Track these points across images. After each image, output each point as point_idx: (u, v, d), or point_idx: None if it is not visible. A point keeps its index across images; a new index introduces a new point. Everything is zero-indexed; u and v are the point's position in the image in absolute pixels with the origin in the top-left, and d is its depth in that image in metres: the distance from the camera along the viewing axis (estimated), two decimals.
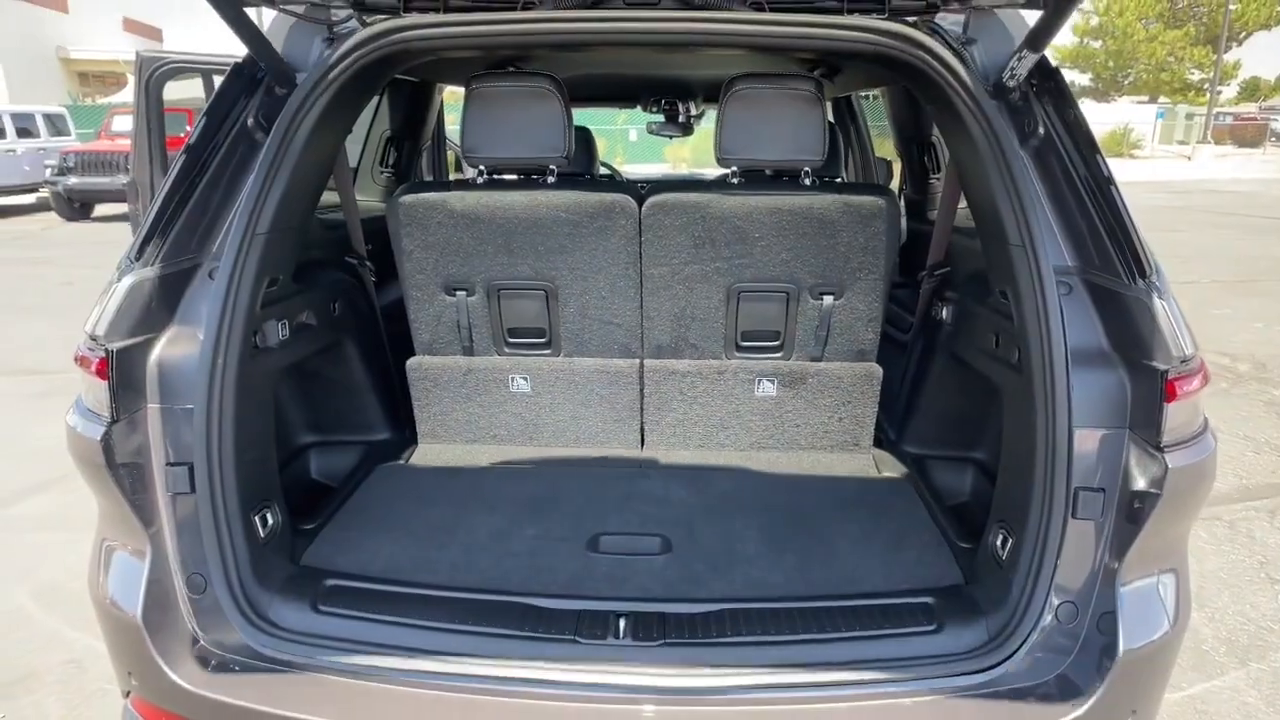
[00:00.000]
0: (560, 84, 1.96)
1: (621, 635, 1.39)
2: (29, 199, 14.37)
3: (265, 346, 1.73)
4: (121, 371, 1.42)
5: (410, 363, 2.27)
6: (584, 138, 2.95)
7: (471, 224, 2.06)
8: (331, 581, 1.56)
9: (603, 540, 1.78)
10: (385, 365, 2.38)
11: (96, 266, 9.10)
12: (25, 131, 14.08)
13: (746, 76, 1.92)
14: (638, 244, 2.07)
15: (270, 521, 1.59)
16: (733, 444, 2.27)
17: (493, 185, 2.07)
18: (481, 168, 2.05)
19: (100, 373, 1.43)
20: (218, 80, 3.41)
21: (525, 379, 2.22)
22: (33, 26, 23.65)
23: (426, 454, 2.28)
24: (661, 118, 3.97)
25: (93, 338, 1.46)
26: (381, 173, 3.29)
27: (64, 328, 6.40)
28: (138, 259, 1.49)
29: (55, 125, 14.89)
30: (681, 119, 3.96)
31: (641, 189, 2.13)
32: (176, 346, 1.47)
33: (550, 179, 2.07)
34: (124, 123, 13.95)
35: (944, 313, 2.12)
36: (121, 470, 1.45)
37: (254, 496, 1.55)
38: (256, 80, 1.61)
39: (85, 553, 3.16)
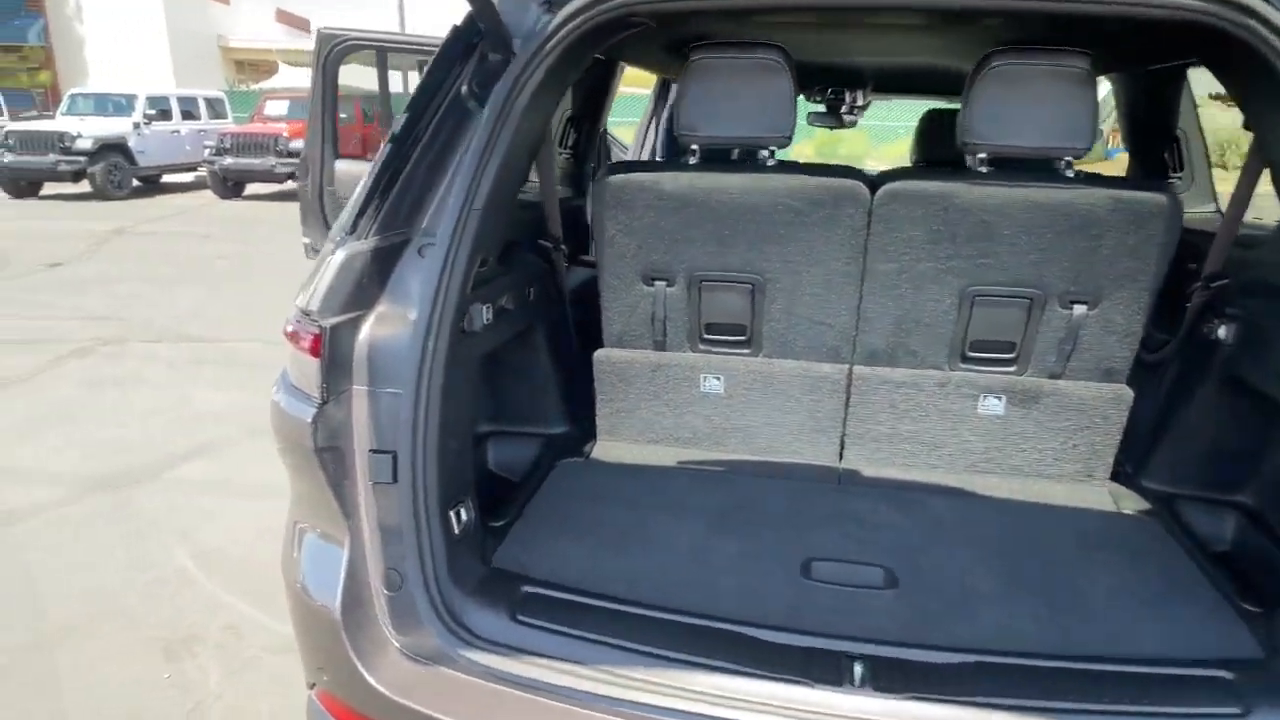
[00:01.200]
0: (790, 57, 1.77)
1: (858, 682, 1.21)
2: (188, 177, 15.48)
3: (471, 330, 1.64)
4: (333, 350, 1.35)
5: (598, 355, 2.15)
6: None
7: (681, 208, 1.90)
8: (528, 588, 1.44)
9: (816, 566, 1.59)
10: (570, 355, 2.28)
11: (246, 242, 9.65)
12: (188, 114, 15.15)
13: (1006, 50, 1.68)
14: (864, 236, 1.86)
15: (464, 518, 1.49)
16: (945, 465, 2.03)
17: (708, 166, 1.91)
18: (695, 148, 1.89)
19: (313, 350, 1.36)
20: (392, 58, 3.45)
21: (718, 379, 2.06)
22: (198, 17, 25.54)
23: (607, 451, 2.16)
24: (823, 107, 3.72)
25: (305, 312, 1.39)
26: (560, 154, 3.21)
27: (218, 298, 6.76)
28: (352, 231, 1.41)
29: (214, 108, 15.95)
30: (845, 110, 3.70)
31: (869, 175, 1.92)
32: (385, 326, 1.38)
33: (770, 161, 1.90)
34: (276, 107, 14.85)
35: (1222, 330, 1.81)
36: (326, 455, 1.38)
37: (452, 490, 1.46)
38: (470, 46, 1.50)
39: (243, 519, 3.29)
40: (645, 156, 3.85)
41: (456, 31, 1.49)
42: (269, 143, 13.21)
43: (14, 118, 14.49)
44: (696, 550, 1.67)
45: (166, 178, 15.05)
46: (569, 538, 1.71)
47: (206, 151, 13.58)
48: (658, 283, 2.01)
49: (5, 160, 12.74)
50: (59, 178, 12.78)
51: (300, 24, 33.07)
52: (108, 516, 3.19)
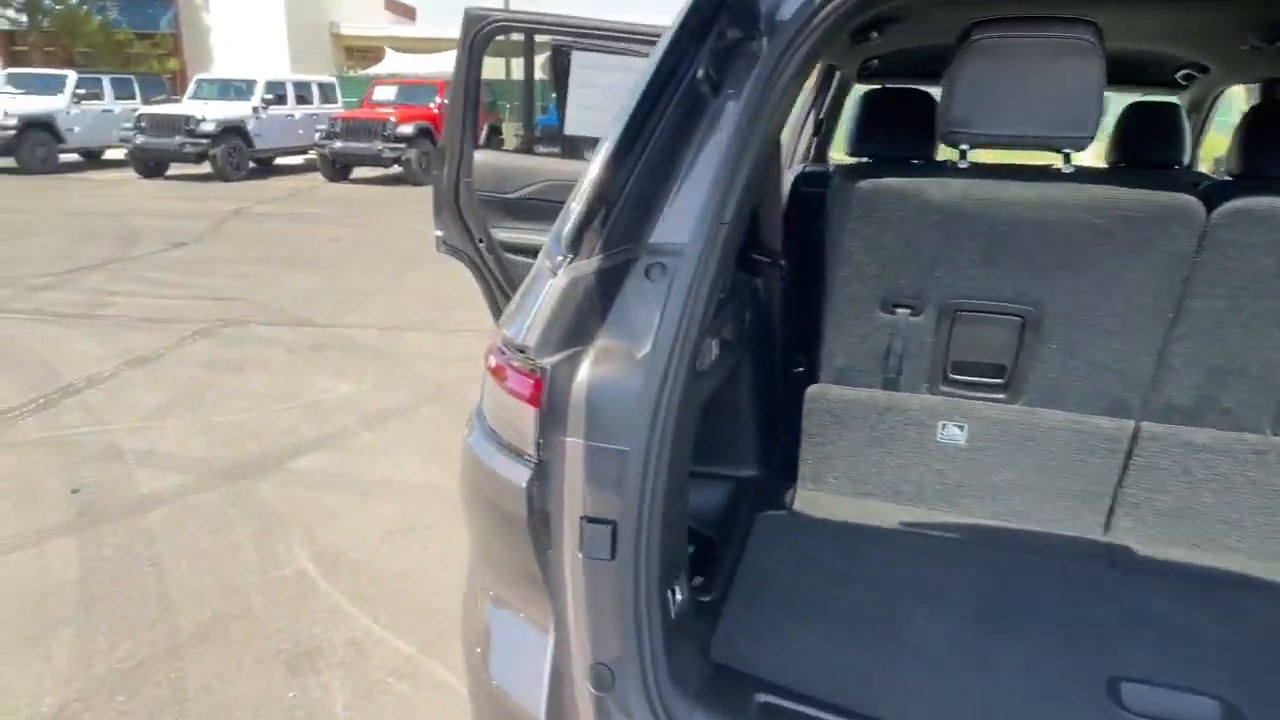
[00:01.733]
0: (1102, 36, 1.41)
1: None
2: (299, 159, 16.00)
3: (701, 370, 1.38)
4: (552, 396, 1.13)
5: (812, 391, 1.84)
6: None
7: (945, 222, 1.58)
8: (762, 696, 1.19)
9: (1129, 691, 1.27)
10: (774, 389, 2.01)
11: (355, 225, 9.80)
12: (302, 99, 15.64)
13: None
14: (1189, 265, 1.50)
15: (679, 596, 1.24)
16: (1247, 549, 1.66)
17: (982, 172, 1.59)
18: (964, 148, 1.55)
19: (532, 398, 1.13)
20: (538, 40, 3.24)
21: (960, 428, 1.74)
22: (313, 4, 26.43)
23: (813, 503, 1.87)
24: None
25: (520, 348, 1.15)
26: None
27: (332, 281, 6.82)
28: (574, 249, 1.17)
29: (326, 93, 16.42)
30: None
31: (1198, 186, 1.56)
32: (608, 365, 1.14)
33: (1067, 168, 1.56)
34: (384, 92, 15.15)
35: None
36: (535, 521, 1.16)
37: (671, 564, 1.21)
38: (707, 23, 1.23)
39: (365, 521, 3.19)
40: (800, 156, 3.54)
41: (695, 5, 1.21)
42: (377, 127, 13.46)
43: (146, 102, 15.24)
44: (965, 653, 1.37)
45: (279, 160, 15.58)
46: (795, 622, 1.45)
47: (318, 135, 13.96)
48: (900, 310, 1.70)
49: (137, 141, 13.43)
50: (183, 159, 13.37)
51: (407, 12, 33.89)
52: (233, 508, 3.14)
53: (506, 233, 2.87)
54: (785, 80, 1.20)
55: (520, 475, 1.14)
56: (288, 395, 4.31)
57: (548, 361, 1.11)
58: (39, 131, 13.79)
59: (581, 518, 1.12)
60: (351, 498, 3.25)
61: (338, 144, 13.66)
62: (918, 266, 1.65)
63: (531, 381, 1.13)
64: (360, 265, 7.58)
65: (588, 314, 1.15)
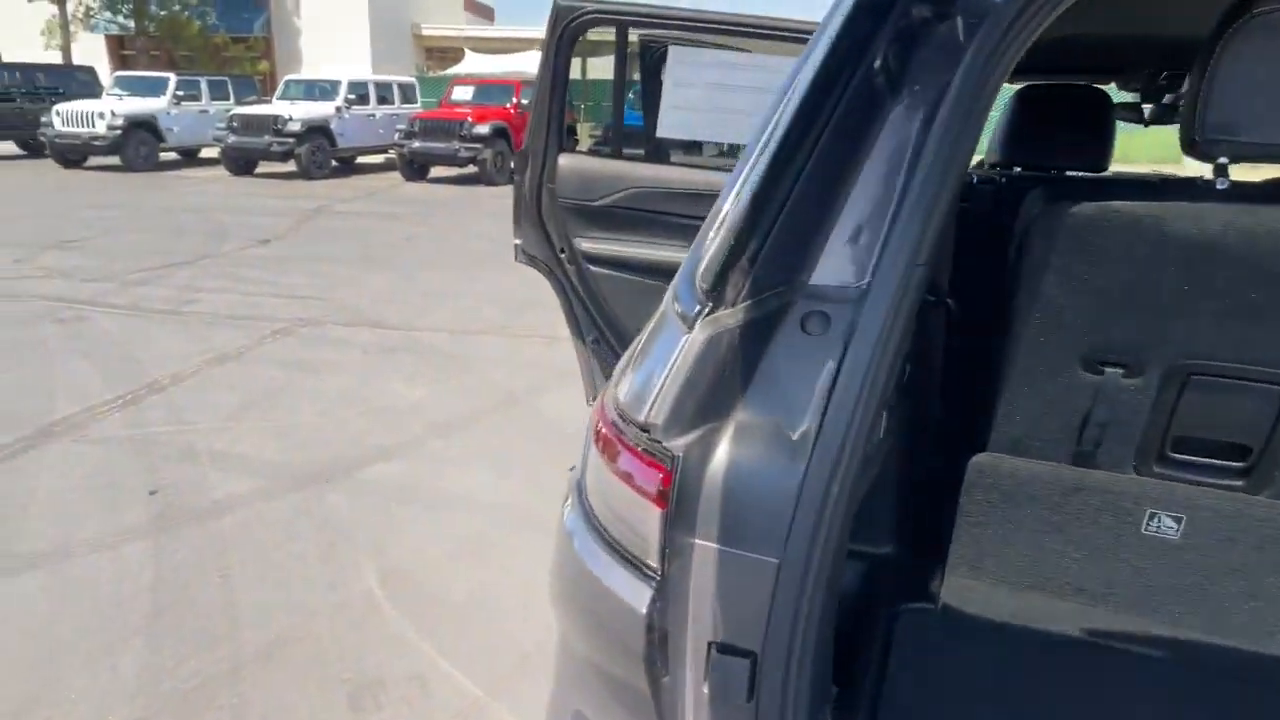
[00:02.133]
0: None
1: None
2: (379, 159, 16.34)
3: (869, 453, 1.11)
4: (683, 490, 0.90)
5: (978, 461, 1.49)
6: None
7: (1194, 260, 1.24)
8: None
9: None
10: (928, 454, 1.73)
11: (431, 224, 9.88)
12: (383, 99, 15.97)
13: None
14: None
15: None
16: None
17: (1252, 195, 1.26)
18: (1223, 160, 1.18)
19: (658, 497, 0.90)
20: (633, 36, 3.09)
21: (1175, 519, 1.38)
22: (396, 6, 27.09)
23: (967, 595, 1.54)
24: (1135, 96, 2.98)
25: (643, 427, 0.92)
26: None
27: (407, 283, 6.83)
28: (715, 295, 0.92)
29: (406, 94, 16.72)
30: (1164, 100, 2.93)
31: None
32: (751, 447, 0.88)
33: None
34: (462, 92, 15.32)
35: None
36: (654, 647, 0.94)
37: (821, 694, 0.99)
38: (886, 3, 0.98)
39: (432, 538, 3.08)
40: None
41: None
42: (454, 127, 13.60)
43: (239, 102, 15.83)
44: None
45: (360, 159, 15.93)
46: None
47: (397, 135, 14.20)
48: (1110, 370, 1.35)
49: (229, 140, 13.94)
50: (270, 157, 13.80)
51: (486, 13, 34.43)
52: (303, 518, 3.08)
53: (589, 243, 2.72)
54: (1000, 74, 0.94)
55: (639, 595, 0.92)
56: (360, 399, 4.27)
57: (679, 445, 0.89)
58: (142, 131, 14.47)
59: (711, 645, 0.89)
60: (420, 511, 3.16)
61: (416, 144, 13.87)
62: (1144, 316, 1.29)
63: (659, 474, 0.90)
64: (434, 266, 7.59)
65: (730, 380, 0.92)
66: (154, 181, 13.30)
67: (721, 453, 0.89)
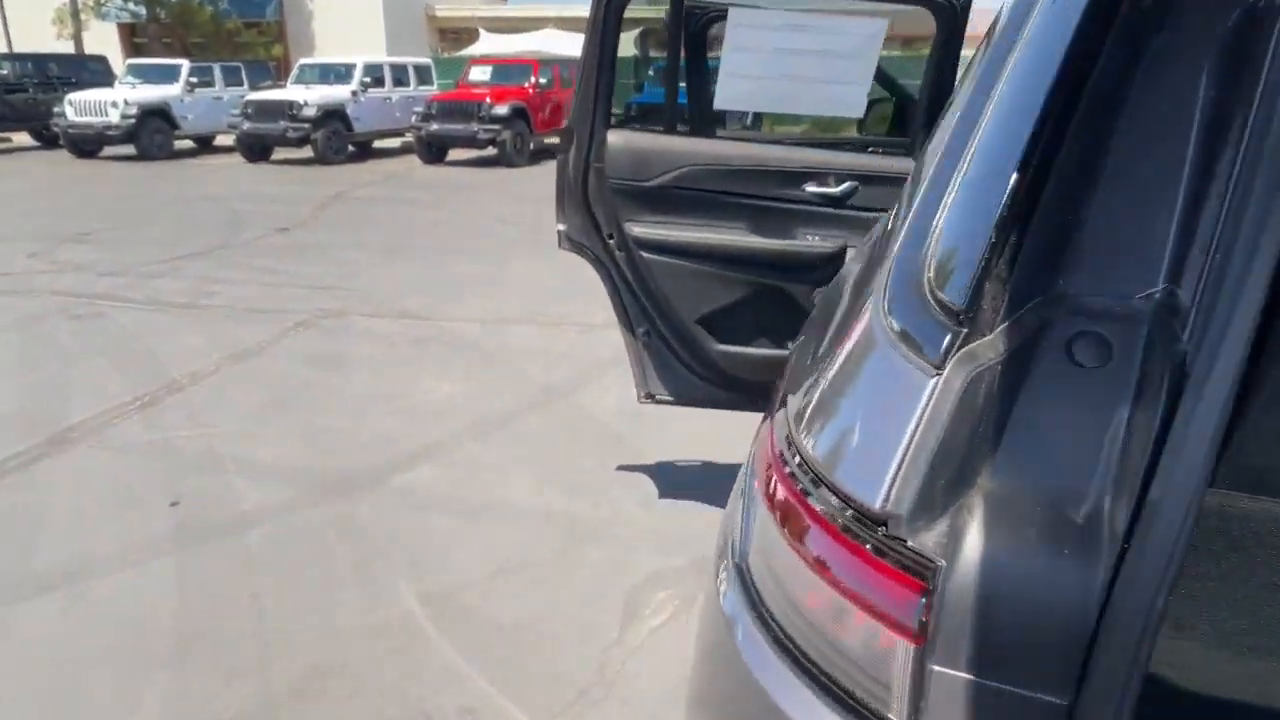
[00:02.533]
0: None
1: None
2: (395, 142, 16.08)
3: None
4: (944, 610, 0.63)
5: (1215, 502, 1.18)
6: None
7: None
8: None
9: None
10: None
11: (451, 208, 9.63)
12: (399, 81, 15.68)
13: None
14: None
15: None
16: None
17: None
18: None
19: (908, 629, 0.64)
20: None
21: None
22: None
23: (1170, 659, 1.31)
24: None
25: (875, 519, 0.66)
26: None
27: (431, 270, 6.59)
28: (968, 317, 0.66)
29: (421, 76, 16.42)
30: None
31: None
32: (1015, 533, 0.63)
33: None
34: (480, 73, 15.00)
35: None
36: None
37: None
38: None
39: (474, 552, 2.82)
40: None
41: None
42: (473, 109, 13.31)
43: (253, 88, 15.61)
44: None
45: (377, 143, 15.68)
46: None
47: (414, 117, 13.93)
48: None
49: (244, 127, 13.73)
50: (286, 143, 13.59)
51: None
52: (334, 532, 2.87)
53: (641, 227, 2.45)
54: None
55: None
56: (389, 396, 4.05)
57: (936, 545, 0.62)
58: (156, 119, 14.31)
59: None
60: (458, 523, 2.93)
61: (434, 126, 13.60)
62: None
63: (914, 595, 0.63)
64: (458, 251, 7.35)
65: (984, 436, 0.65)
66: (169, 170, 13.14)
67: (974, 544, 0.62)
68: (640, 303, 2.59)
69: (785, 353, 2.65)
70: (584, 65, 2.30)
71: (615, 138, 2.36)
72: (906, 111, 2.91)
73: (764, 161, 2.38)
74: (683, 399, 2.74)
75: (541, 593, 2.53)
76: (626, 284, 2.57)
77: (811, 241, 2.43)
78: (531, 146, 14.01)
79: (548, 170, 13.96)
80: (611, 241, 2.51)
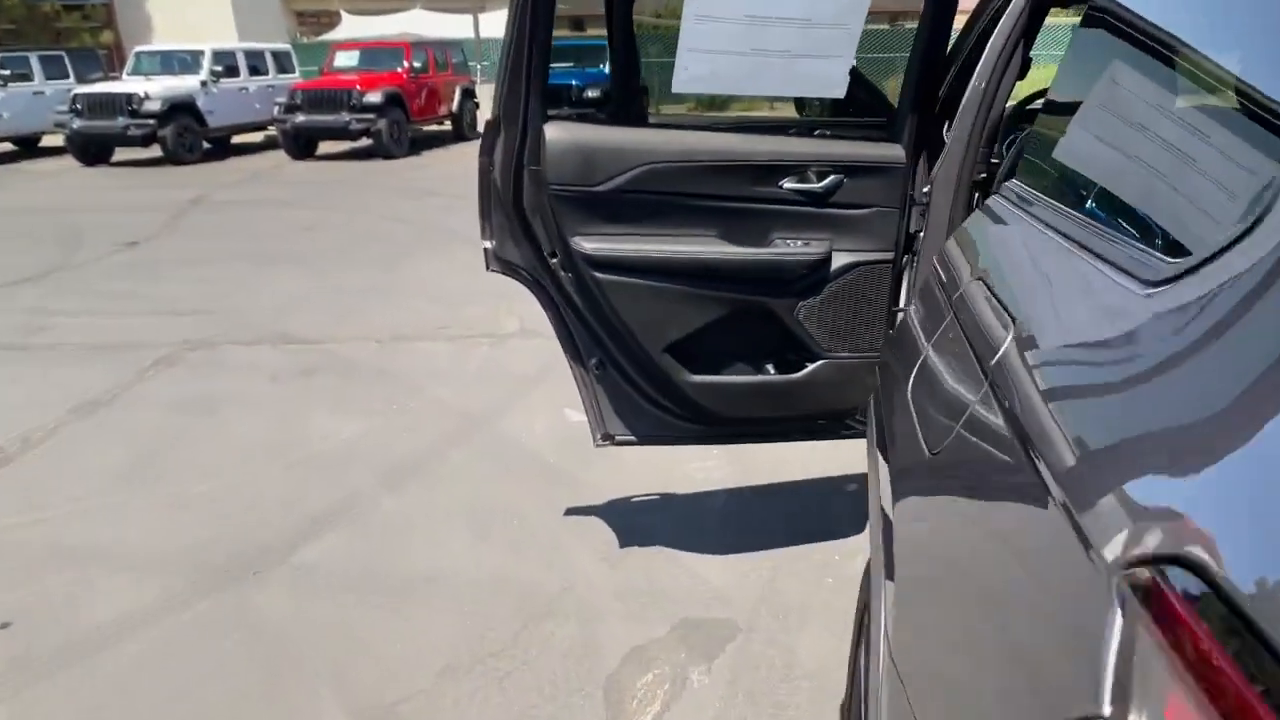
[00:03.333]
0: None
1: None
2: (258, 137, 14.73)
3: None
4: None
5: None
6: None
7: None
8: None
9: None
10: None
11: (330, 208, 8.77)
12: (255, 70, 14.30)
13: None
14: None
15: None
16: None
17: None
18: None
19: None
20: None
21: None
22: None
23: None
24: None
25: None
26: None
27: (315, 282, 5.87)
28: None
29: (282, 63, 15.06)
30: None
31: None
32: None
33: None
34: (346, 59, 13.88)
35: None
36: None
37: None
38: None
39: (409, 649, 2.09)
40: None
41: None
42: (342, 97, 12.31)
43: (81, 80, 13.84)
44: None
45: (236, 138, 14.34)
46: None
47: (277, 109, 12.75)
48: None
49: (75, 125, 12.13)
50: (129, 142, 12.11)
51: None
52: (229, 638, 2.29)
53: (592, 242, 2.01)
54: None
55: None
56: (278, 445, 3.43)
57: None
58: None
59: None
60: (385, 607, 2.42)
61: (300, 118, 12.48)
62: None
63: None
64: (344, 258, 6.62)
65: None
66: None
67: None
68: (592, 330, 2.16)
69: (773, 379, 2.29)
70: (508, 43, 1.82)
71: (556, 133, 1.90)
72: (863, 87, 2.57)
73: (734, 155, 1.98)
74: (649, 438, 2.33)
75: (503, 695, 2.07)
76: (575, 310, 2.13)
77: (793, 247, 2.06)
78: (410, 135, 13.12)
79: (430, 160, 13.12)
80: (554, 261, 2.06)
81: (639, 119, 2.81)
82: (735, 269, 2.04)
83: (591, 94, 12.98)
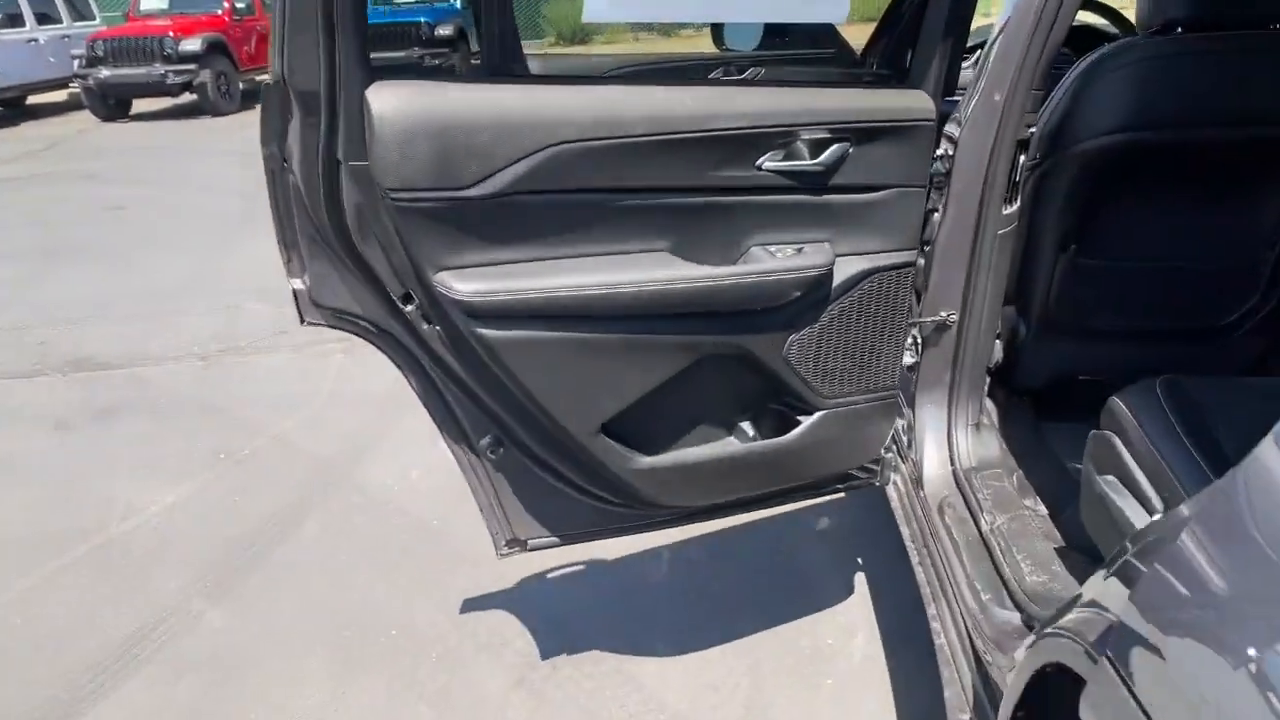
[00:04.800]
0: None
1: None
2: (60, 95, 12.57)
3: None
4: None
5: None
6: None
7: None
8: None
9: None
10: None
11: (146, 181, 7.39)
12: (45, 17, 12.10)
13: None
14: None
15: None
16: None
17: None
18: None
19: None
20: None
21: None
22: None
23: None
24: None
25: None
26: None
27: (119, 278, 4.73)
28: None
29: (77, 9, 12.83)
30: None
31: None
32: None
33: None
34: (155, 1, 11.91)
35: None
36: None
37: None
38: None
39: None
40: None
41: None
42: (154, 46, 10.55)
43: None
44: None
45: (31, 99, 12.18)
46: None
47: (76, 64, 10.82)
48: None
49: None
50: None
51: None
52: None
53: (470, 281, 1.25)
54: None
55: None
56: (59, 535, 2.50)
57: None
58: None
59: None
60: None
61: (105, 72, 10.63)
62: None
63: None
64: (156, 243, 5.44)
65: None
66: None
67: None
68: (480, 402, 1.42)
69: (756, 447, 1.61)
70: None
71: (390, 102, 1.12)
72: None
73: (689, 121, 1.26)
74: (579, 536, 1.64)
75: None
76: (451, 377, 1.38)
77: (780, 258, 1.38)
78: (242, 87, 11.44)
79: None
80: (410, 309, 1.30)
81: (516, 69, 2.00)
82: (695, 299, 1.34)
83: (443, 32, 11.30)
